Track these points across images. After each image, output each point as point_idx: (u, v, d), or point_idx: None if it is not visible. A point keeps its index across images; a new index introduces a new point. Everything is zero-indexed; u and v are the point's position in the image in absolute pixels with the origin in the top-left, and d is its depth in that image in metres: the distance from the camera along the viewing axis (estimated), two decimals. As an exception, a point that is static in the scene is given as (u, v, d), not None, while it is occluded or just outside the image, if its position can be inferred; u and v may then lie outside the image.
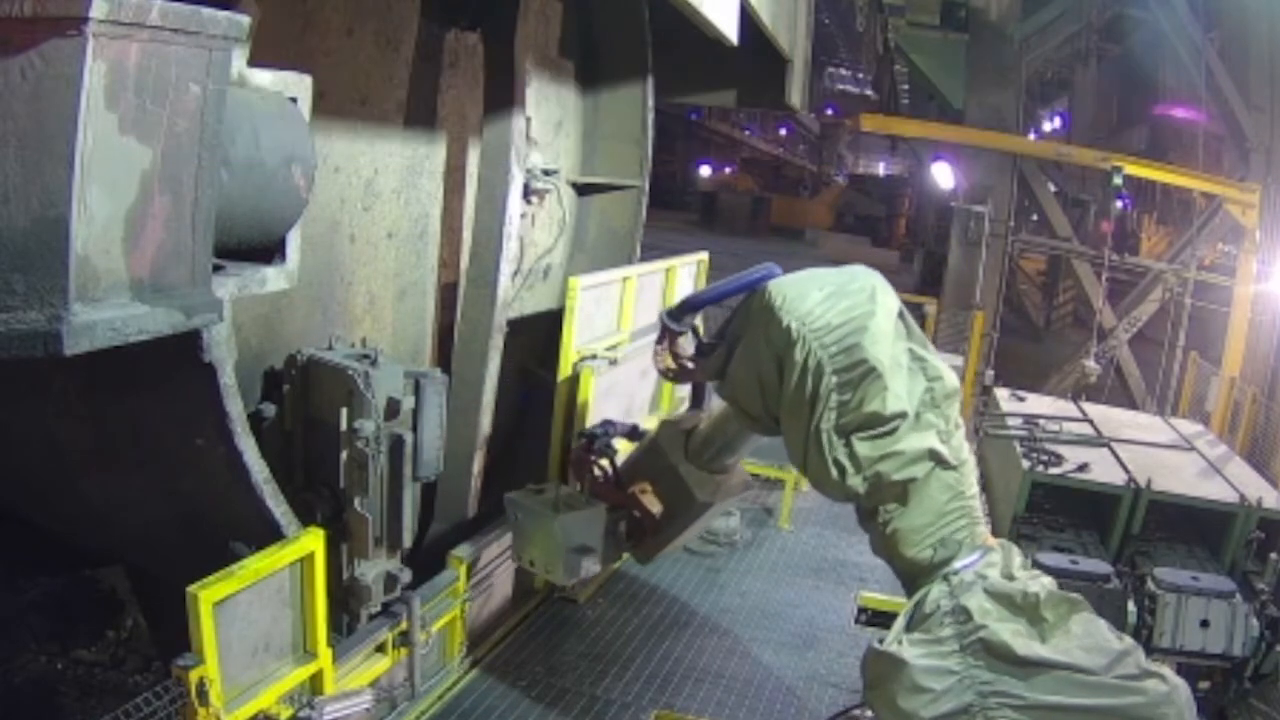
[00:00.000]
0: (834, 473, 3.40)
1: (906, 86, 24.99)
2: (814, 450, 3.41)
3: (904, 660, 3.14)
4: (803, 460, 3.51)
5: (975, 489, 3.63)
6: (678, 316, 4.07)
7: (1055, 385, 13.28)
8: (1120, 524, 6.18)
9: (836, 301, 3.42)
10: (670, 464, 4.34)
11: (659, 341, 4.12)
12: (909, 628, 3.32)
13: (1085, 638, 3.19)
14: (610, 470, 4.57)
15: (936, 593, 3.28)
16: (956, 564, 3.39)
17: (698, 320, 4.22)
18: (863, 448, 3.37)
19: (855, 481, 3.39)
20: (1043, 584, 3.31)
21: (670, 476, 4.39)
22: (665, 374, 4.17)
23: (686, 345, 4.10)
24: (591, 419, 6.32)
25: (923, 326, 7.88)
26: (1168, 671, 3.20)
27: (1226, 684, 5.63)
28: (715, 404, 4.44)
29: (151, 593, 5.32)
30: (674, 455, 4.35)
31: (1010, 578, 3.35)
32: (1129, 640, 3.26)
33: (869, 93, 30.55)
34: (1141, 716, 3.03)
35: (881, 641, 3.35)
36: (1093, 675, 3.07)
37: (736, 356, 3.69)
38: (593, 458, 4.58)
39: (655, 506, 4.41)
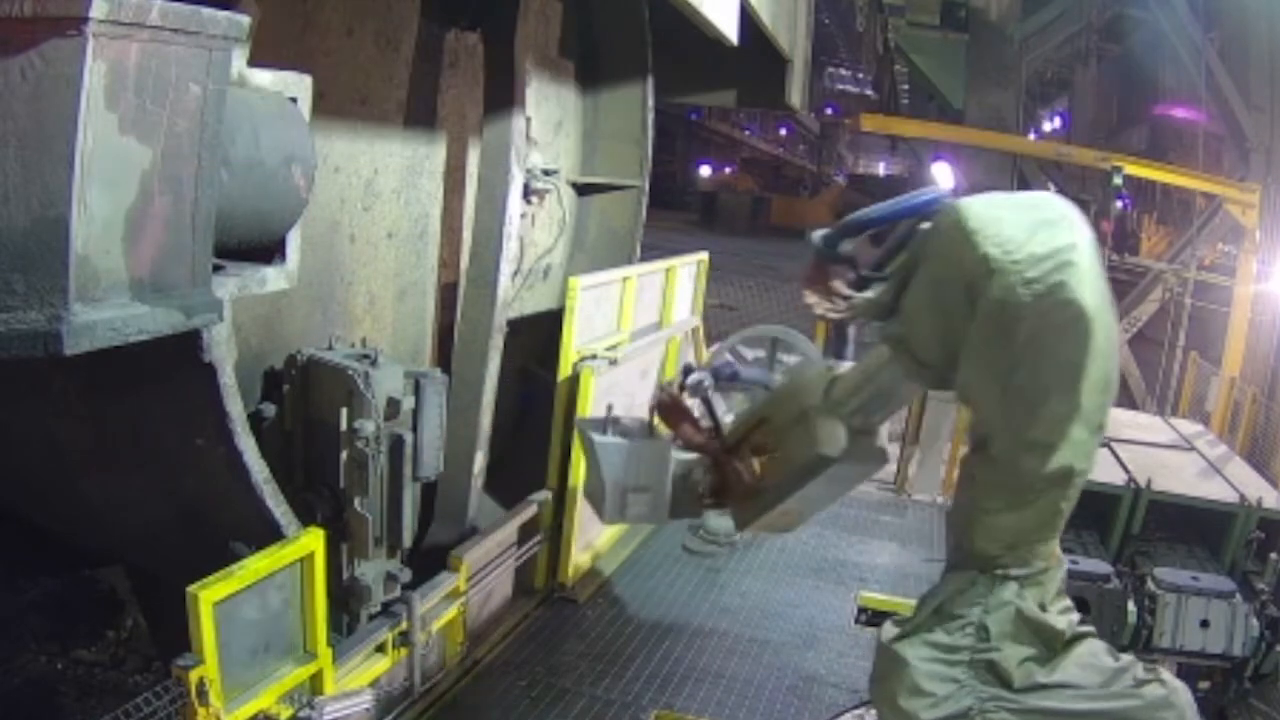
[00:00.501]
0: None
1: (906, 86, 25.01)
2: (1001, 401, 2.89)
3: (906, 661, 3.12)
4: (1000, 417, 2.93)
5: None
6: (834, 242, 3.39)
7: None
8: (1120, 524, 6.19)
9: (1037, 229, 2.88)
10: (803, 408, 3.57)
11: (809, 277, 3.43)
12: (930, 623, 3.23)
13: (1084, 658, 3.20)
14: (710, 415, 3.81)
15: (972, 597, 3.19)
16: (1012, 571, 3.22)
17: (851, 246, 3.49)
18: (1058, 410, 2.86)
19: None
20: (1069, 620, 3.30)
21: (797, 425, 3.60)
22: (820, 315, 3.50)
23: (842, 278, 3.41)
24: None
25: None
26: (1166, 674, 3.19)
27: (1226, 684, 5.63)
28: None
29: (151, 593, 5.32)
30: (811, 397, 3.58)
31: (1043, 608, 3.25)
32: (1126, 658, 3.26)
33: (869, 92, 30.54)
34: (1141, 719, 3.04)
35: (898, 628, 3.25)
36: (1087, 690, 3.08)
37: (913, 289, 3.06)
38: (686, 398, 3.81)
39: (752, 472, 3.69)
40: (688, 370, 3.88)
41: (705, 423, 3.76)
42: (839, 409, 3.48)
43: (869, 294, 3.25)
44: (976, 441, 3.03)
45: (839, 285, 3.37)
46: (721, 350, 4.64)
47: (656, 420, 3.86)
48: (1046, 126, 24.62)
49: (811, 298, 3.45)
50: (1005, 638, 3.10)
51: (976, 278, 2.84)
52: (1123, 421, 8.26)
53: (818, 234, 3.34)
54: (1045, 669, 3.12)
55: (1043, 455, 2.93)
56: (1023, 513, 3.05)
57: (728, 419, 3.90)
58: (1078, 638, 3.23)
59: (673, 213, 33.92)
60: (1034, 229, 2.85)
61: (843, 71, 38.29)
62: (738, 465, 3.68)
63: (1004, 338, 2.81)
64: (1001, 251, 2.79)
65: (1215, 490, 6.41)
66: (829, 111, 35.47)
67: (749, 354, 4.49)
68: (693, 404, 3.88)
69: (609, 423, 3.86)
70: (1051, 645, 3.17)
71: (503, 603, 5.99)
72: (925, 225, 3.11)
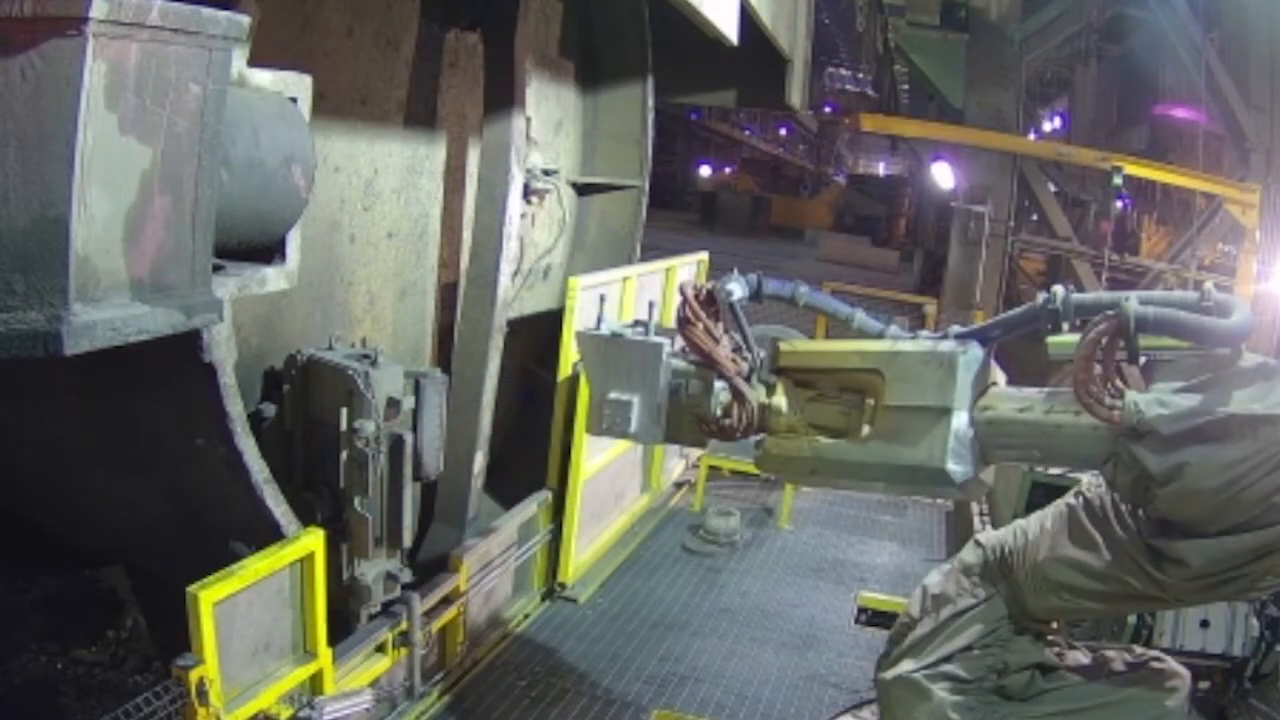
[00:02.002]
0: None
1: (906, 86, 25.01)
2: (1205, 585, 2.76)
3: (930, 693, 3.15)
4: (1187, 575, 2.74)
5: None
6: (1145, 328, 2.69)
7: (1056, 385, 13.26)
8: (1120, 524, 6.18)
9: None
10: (942, 405, 2.92)
11: (1098, 339, 2.73)
12: (953, 658, 3.23)
13: (1071, 661, 3.26)
14: (739, 332, 3.23)
15: (996, 638, 3.21)
16: (1035, 628, 3.25)
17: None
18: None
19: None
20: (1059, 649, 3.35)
21: (921, 417, 2.96)
22: (1086, 400, 2.77)
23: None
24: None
25: (922, 327, 7.92)
26: (1153, 651, 3.28)
27: (1226, 684, 5.62)
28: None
29: (151, 593, 5.32)
30: (955, 397, 2.92)
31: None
32: (1110, 652, 3.30)
33: (868, 91, 30.50)
34: (1151, 695, 3.09)
35: (915, 660, 3.23)
36: (1092, 683, 3.14)
37: (1211, 454, 2.60)
38: (703, 303, 3.18)
39: (751, 403, 3.13)
40: (728, 276, 3.32)
41: (729, 341, 3.21)
42: (988, 435, 2.96)
43: (1148, 408, 2.66)
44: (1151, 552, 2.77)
45: (1118, 380, 2.80)
46: None
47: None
48: (1046, 126, 24.62)
49: (1083, 372, 2.77)
50: (1019, 672, 3.17)
51: None
52: (1123, 421, 8.23)
53: (1137, 307, 2.68)
54: (1043, 678, 3.18)
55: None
56: (1109, 610, 2.98)
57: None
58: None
59: (673, 213, 33.92)
60: None
61: (843, 71, 38.24)
62: (757, 400, 3.16)
63: (1267, 555, 2.60)
64: None
65: (1215, 490, 6.40)
66: (827, 110, 35.34)
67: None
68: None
69: (633, 323, 3.38)
70: (1051, 667, 3.26)
71: (503, 603, 5.99)
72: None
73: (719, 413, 3.19)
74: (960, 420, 2.90)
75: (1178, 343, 2.75)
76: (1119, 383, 2.78)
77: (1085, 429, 2.85)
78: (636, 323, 3.38)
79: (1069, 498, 3.15)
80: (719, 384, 3.17)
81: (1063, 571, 3.00)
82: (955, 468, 2.89)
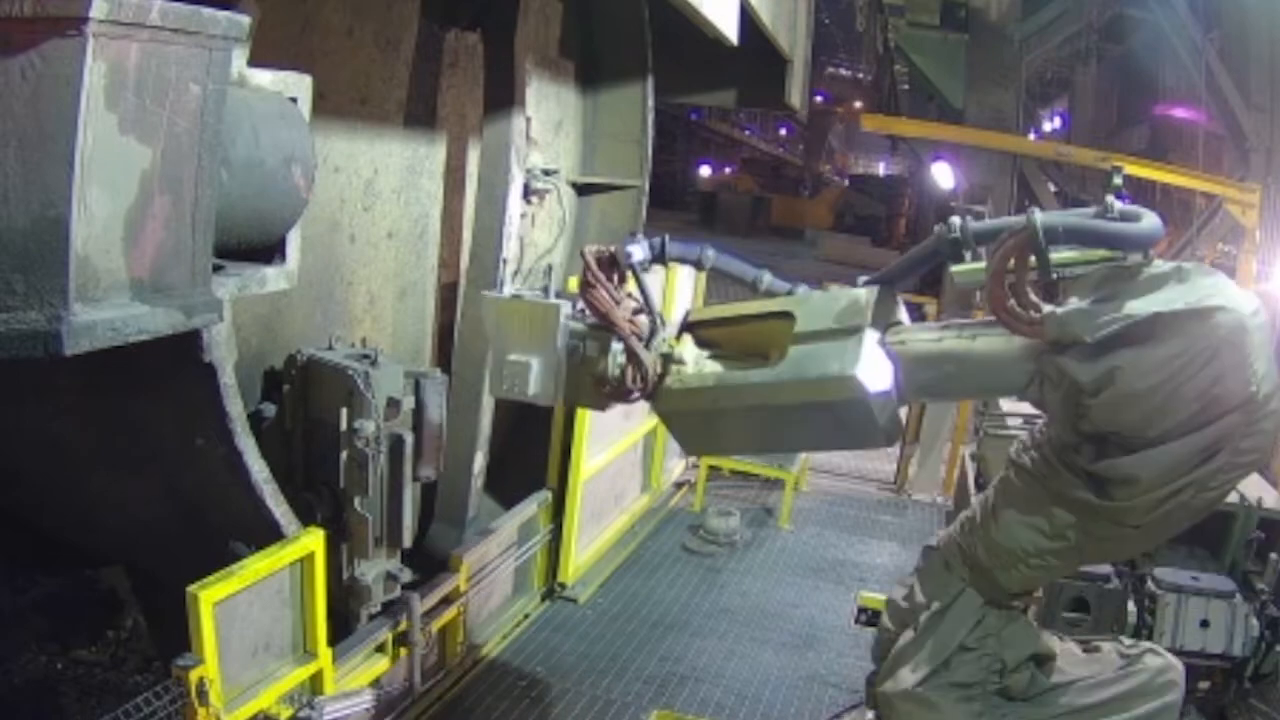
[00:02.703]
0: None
1: (906, 86, 24.99)
2: (1157, 498, 2.69)
3: (941, 708, 3.15)
4: (1137, 494, 2.71)
5: None
6: (1055, 238, 2.67)
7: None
8: (1120, 524, 6.17)
9: (1275, 369, 2.63)
10: (850, 325, 2.88)
11: (1005, 254, 2.71)
12: (949, 662, 3.22)
13: (1068, 655, 3.25)
14: (640, 293, 3.20)
15: (984, 630, 3.20)
16: (1016, 603, 3.21)
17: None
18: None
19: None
20: (1050, 638, 3.34)
21: (824, 339, 2.92)
22: (1004, 319, 2.75)
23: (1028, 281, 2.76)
24: (591, 419, 6.33)
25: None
26: (1146, 644, 3.28)
27: (1226, 684, 5.62)
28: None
29: (151, 593, 5.32)
30: (860, 318, 2.89)
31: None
32: (1105, 644, 3.30)
33: (860, 75, 30.25)
34: (1151, 687, 3.09)
35: (914, 671, 3.20)
36: (1092, 679, 3.13)
37: (1143, 362, 2.58)
38: (604, 265, 3.16)
39: (644, 364, 3.12)
40: (631, 236, 3.30)
41: (631, 302, 3.19)
42: (902, 365, 2.90)
43: (1069, 320, 2.65)
44: (1071, 501, 2.78)
45: (1033, 294, 2.77)
46: None
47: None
48: (1046, 126, 24.64)
49: (997, 289, 2.74)
50: (1019, 666, 3.15)
51: (1226, 403, 2.58)
52: (1123, 421, 8.24)
53: (1042, 216, 2.67)
54: (1044, 674, 3.18)
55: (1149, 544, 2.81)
56: (1073, 566, 2.96)
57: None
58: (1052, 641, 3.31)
59: (673, 213, 33.94)
60: (1270, 358, 2.65)
61: (843, 71, 38.20)
62: (653, 362, 3.13)
63: (1207, 459, 2.61)
64: (1262, 393, 2.60)
65: (1215, 490, 6.39)
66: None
67: None
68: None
69: (539, 287, 3.39)
70: (1046, 661, 3.25)
71: (502, 603, 5.99)
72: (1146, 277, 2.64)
73: (617, 374, 3.17)
74: (870, 336, 2.87)
75: (1087, 259, 2.73)
76: (1034, 298, 2.75)
77: (1005, 350, 2.84)
78: (540, 287, 3.38)
79: (1003, 471, 3.10)
80: (616, 345, 3.16)
81: (1018, 538, 2.94)
82: (866, 377, 2.83)
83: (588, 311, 3.21)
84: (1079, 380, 2.63)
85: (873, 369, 2.86)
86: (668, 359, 3.17)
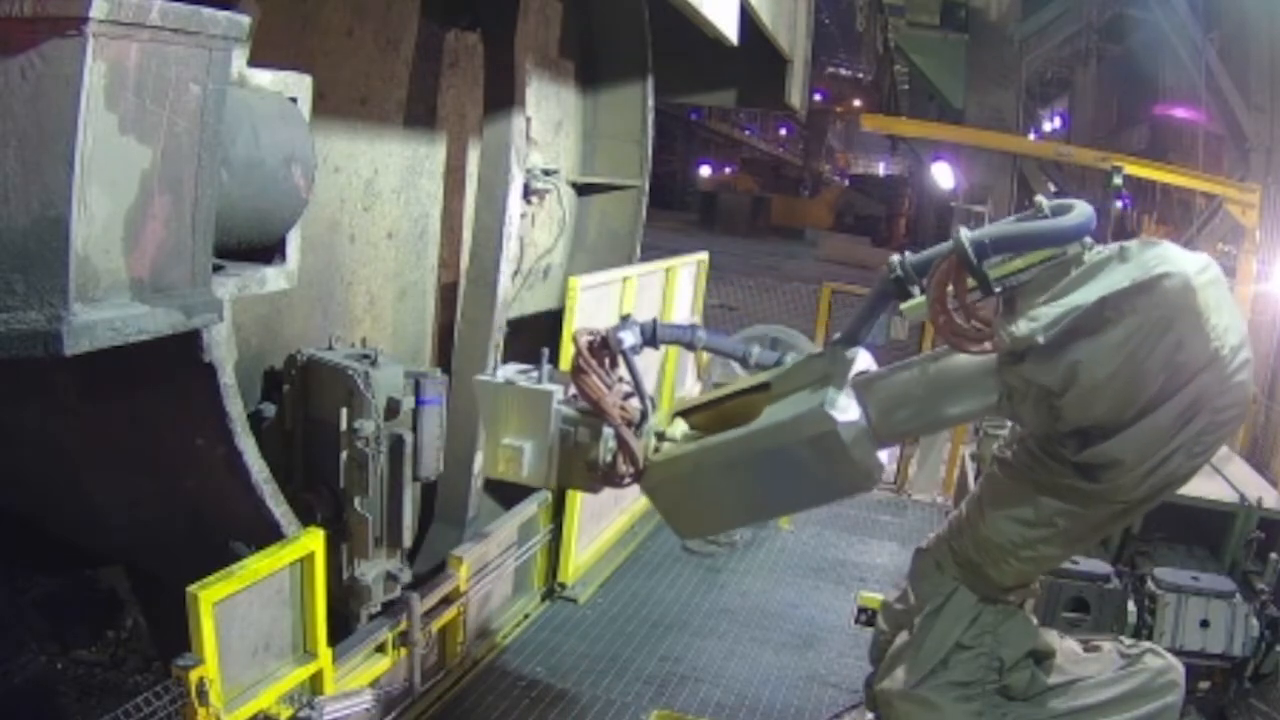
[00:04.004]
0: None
1: (906, 86, 25.00)
2: (1144, 471, 2.67)
3: (942, 708, 3.14)
4: (1141, 469, 2.67)
5: None
6: (987, 252, 2.66)
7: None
8: (1120, 524, 6.18)
9: (1237, 320, 2.61)
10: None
11: (941, 279, 2.72)
12: (946, 660, 3.21)
13: (1068, 653, 3.25)
14: (630, 377, 3.26)
15: (980, 628, 3.20)
16: (1011, 597, 3.19)
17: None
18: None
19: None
20: (1050, 633, 3.34)
21: (801, 392, 2.98)
22: (949, 338, 2.79)
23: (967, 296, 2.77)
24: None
25: (923, 326, 7.93)
26: (1149, 644, 3.28)
27: (1226, 684, 5.62)
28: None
29: (151, 593, 5.32)
30: (835, 372, 2.94)
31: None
32: (1105, 642, 3.30)
33: (860, 75, 30.28)
34: (1152, 688, 3.09)
35: (909, 672, 3.20)
36: (1093, 679, 3.13)
37: (1101, 349, 2.56)
38: (596, 351, 3.20)
39: (634, 450, 3.17)
40: (623, 321, 3.31)
41: (623, 386, 3.25)
42: (875, 404, 2.93)
43: (1018, 327, 2.62)
44: (1055, 488, 2.79)
45: (978, 308, 2.76)
46: None
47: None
48: (1046, 126, 24.64)
49: (940, 315, 2.75)
50: (1017, 664, 3.15)
51: (1192, 366, 2.54)
52: (1123, 421, 8.24)
53: (969, 235, 2.68)
54: (1043, 673, 3.18)
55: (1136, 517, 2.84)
56: (1065, 555, 2.96)
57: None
58: (1050, 637, 3.31)
59: (673, 213, 33.95)
60: (1236, 320, 2.63)
61: (843, 72, 38.19)
62: (643, 450, 3.18)
63: (1185, 424, 2.58)
64: (1227, 347, 2.56)
65: (1215, 490, 6.39)
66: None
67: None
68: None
69: (531, 369, 3.44)
70: (1045, 658, 3.24)
71: (502, 603, 5.99)
72: (1094, 265, 2.62)
73: (609, 459, 3.27)
74: (839, 384, 2.92)
75: (1029, 263, 2.72)
76: (981, 314, 2.76)
77: (967, 372, 2.86)
78: (533, 367, 3.45)
79: (989, 468, 3.12)
80: (608, 431, 3.24)
81: (1006, 532, 2.94)
82: (835, 411, 2.87)
83: (579, 397, 3.26)
84: (1042, 383, 2.63)
85: (842, 408, 2.91)
86: (661, 437, 3.26)
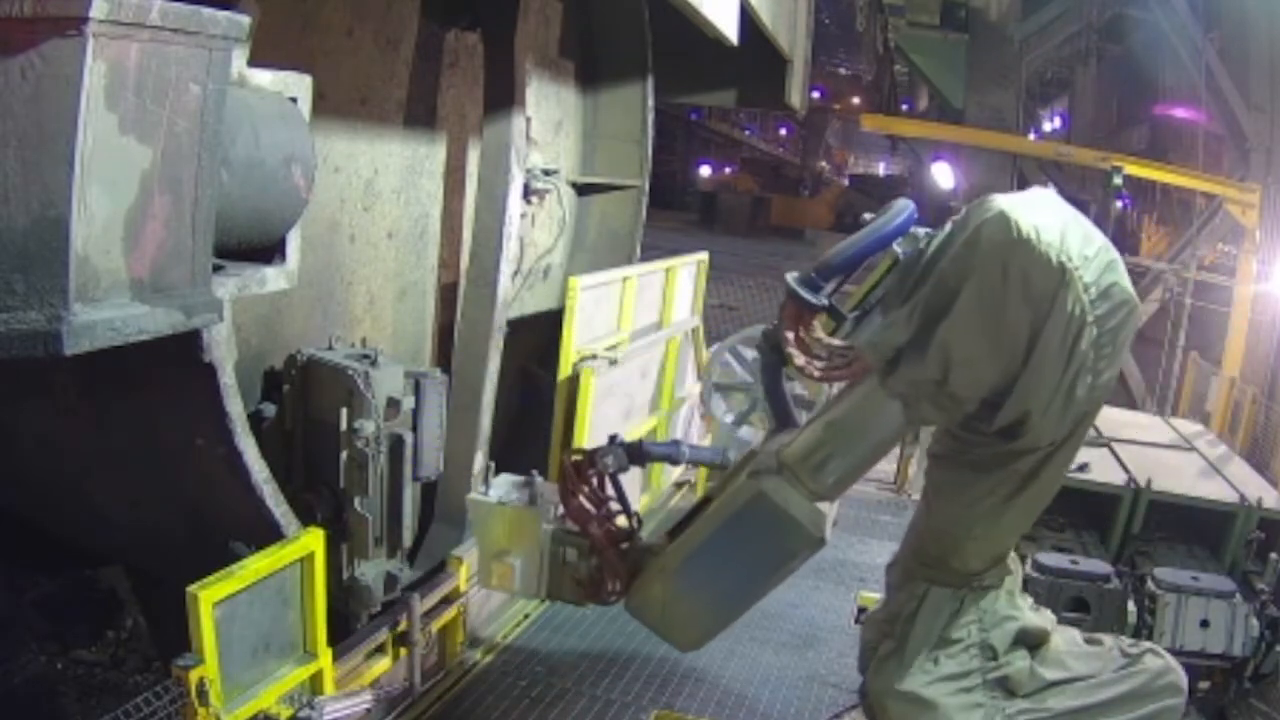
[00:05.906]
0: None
1: (905, 79, 25.00)
2: (1057, 406, 2.64)
3: (935, 703, 3.14)
4: (1053, 427, 2.68)
5: None
6: (816, 285, 2.81)
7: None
8: (1120, 524, 6.19)
9: (1072, 228, 2.56)
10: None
11: (788, 328, 2.87)
12: (932, 653, 3.21)
13: (1070, 647, 3.25)
14: (617, 497, 3.57)
15: (964, 617, 3.20)
16: (986, 580, 3.11)
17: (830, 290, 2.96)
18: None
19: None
20: (1044, 615, 3.33)
21: (734, 480, 3.21)
22: (807, 374, 2.95)
23: (825, 327, 2.93)
24: (591, 419, 6.33)
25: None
26: (1150, 645, 3.28)
27: (1226, 684, 5.63)
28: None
29: (151, 593, 5.32)
30: (766, 479, 3.09)
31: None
32: (1106, 639, 3.31)
33: (859, 71, 30.28)
34: (1152, 690, 3.10)
35: (901, 669, 3.20)
36: (1094, 679, 3.14)
37: (956, 317, 2.57)
38: (583, 472, 3.49)
39: (619, 570, 3.45)
40: (610, 442, 3.51)
41: (612, 504, 3.53)
42: (812, 481, 3.06)
43: (878, 337, 2.71)
44: (977, 460, 2.84)
45: (823, 336, 2.88)
46: (721, 350, 4.59)
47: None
48: (1046, 126, 24.63)
49: (798, 359, 2.91)
50: (1010, 651, 3.14)
51: (1046, 291, 2.52)
52: (1122, 421, 8.25)
53: (793, 276, 2.86)
54: (1044, 666, 3.17)
55: (1073, 452, 2.87)
56: (1020, 521, 2.99)
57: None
58: (1051, 628, 3.30)
59: (673, 213, 33.92)
60: (1072, 228, 2.59)
61: (842, 72, 38.17)
62: (622, 568, 3.41)
63: (1072, 346, 2.55)
64: (1070, 260, 2.51)
65: (1215, 490, 6.41)
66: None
67: (748, 354, 4.38)
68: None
69: (523, 485, 3.67)
70: (1040, 643, 3.23)
71: (503, 603, 5.99)
72: (917, 245, 2.75)
73: (596, 577, 3.53)
74: (767, 460, 3.10)
75: (878, 278, 2.83)
76: (834, 344, 2.88)
77: (863, 401, 2.95)
78: (526, 481, 3.68)
79: (927, 466, 3.21)
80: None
81: (955, 517, 2.97)
82: (766, 481, 3.05)
83: (567, 518, 3.54)
84: (925, 378, 2.66)
85: (768, 477, 3.09)
86: (647, 552, 3.46)
